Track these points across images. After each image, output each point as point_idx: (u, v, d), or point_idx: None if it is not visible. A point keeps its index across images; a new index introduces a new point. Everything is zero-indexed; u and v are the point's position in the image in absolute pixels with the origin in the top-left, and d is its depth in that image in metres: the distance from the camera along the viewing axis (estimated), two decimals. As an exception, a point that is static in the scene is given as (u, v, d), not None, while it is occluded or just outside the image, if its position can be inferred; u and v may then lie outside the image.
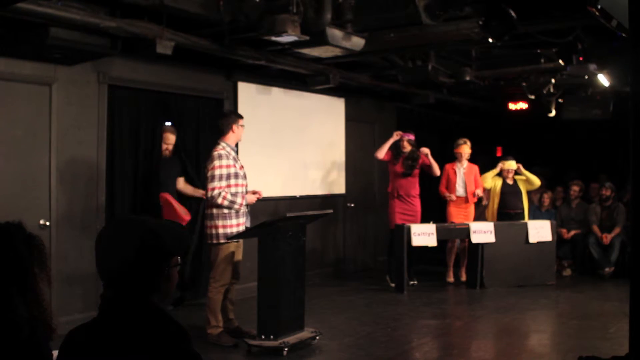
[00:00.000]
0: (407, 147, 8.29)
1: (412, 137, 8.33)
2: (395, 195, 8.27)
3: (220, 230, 5.54)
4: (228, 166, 5.52)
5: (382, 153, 8.24)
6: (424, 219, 8.35)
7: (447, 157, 8.93)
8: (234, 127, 5.69)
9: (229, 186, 5.52)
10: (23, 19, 4.77)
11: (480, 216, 9.26)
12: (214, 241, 5.57)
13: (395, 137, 8.29)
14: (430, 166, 8.31)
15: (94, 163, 6.22)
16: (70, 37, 5.17)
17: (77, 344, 1.82)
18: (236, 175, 5.57)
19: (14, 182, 5.60)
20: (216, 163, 5.50)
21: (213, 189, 5.46)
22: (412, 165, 8.26)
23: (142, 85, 6.63)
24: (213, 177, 5.48)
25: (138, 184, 6.59)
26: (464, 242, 8.74)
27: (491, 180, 8.78)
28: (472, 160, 9.05)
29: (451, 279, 8.77)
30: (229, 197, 5.46)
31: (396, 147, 8.29)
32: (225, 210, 5.51)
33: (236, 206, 5.50)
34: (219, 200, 5.45)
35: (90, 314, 2.85)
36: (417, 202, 8.37)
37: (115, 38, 5.59)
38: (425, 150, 8.27)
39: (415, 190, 8.35)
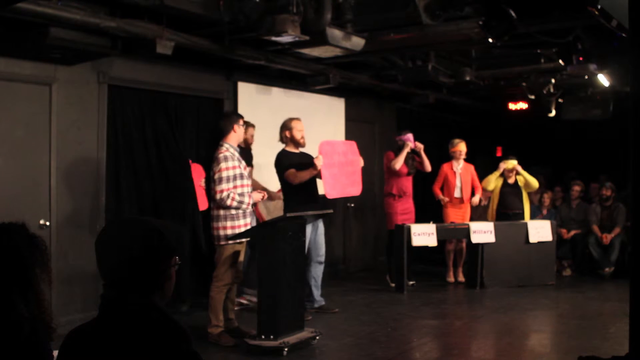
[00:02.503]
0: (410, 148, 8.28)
1: (412, 138, 8.28)
2: (401, 195, 8.24)
3: (229, 231, 5.54)
4: (234, 167, 5.54)
5: (399, 164, 8.14)
6: (422, 219, 8.35)
7: (446, 157, 8.92)
8: (235, 127, 5.69)
9: (235, 187, 5.53)
10: (23, 19, 4.76)
11: (480, 217, 9.26)
12: (222, 242, 5.58)
13: (408, 148, 8.16)
14: (422, 162, 8.29)
15: (94, 163, 6.22)
16: (70, 37, 5.16)
17: (77, 344, 1.82)
18: (241, 176, 5.59)
19: (14, 182, 5.60)
20: (222, 165, 5.50)
21: (222, 191, 5.46)
22: (413, 164, 8.26)
23: (142, 85, 6.63)
24: (221, 180, 5.47)
25: (141, 182, 6.59)
26: (460, 242, 8.74)
27: (494, 182, 8.77)
28: (472, 160, 9.04)
29: (451, 279, 8.77)
30: (237, 197, 5.49)
31: (399, 149, 8.25)
32: (233, 211, 5.53)
33: (244, 206, 5.53)
34: (228, 202, 5.47)
35: (90, 314, 2.85)
36: (412, 201, 8.40)
37: (115, 38, 5.59)
38: (420, 145, 8.25)
39: (412, 189, 8.38)
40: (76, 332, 1.85)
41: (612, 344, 5.50)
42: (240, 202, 5.51)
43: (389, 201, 8.36)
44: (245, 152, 7.14)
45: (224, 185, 5.47)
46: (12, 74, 5.56)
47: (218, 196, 5.48)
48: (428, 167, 8.33)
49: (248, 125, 7.12)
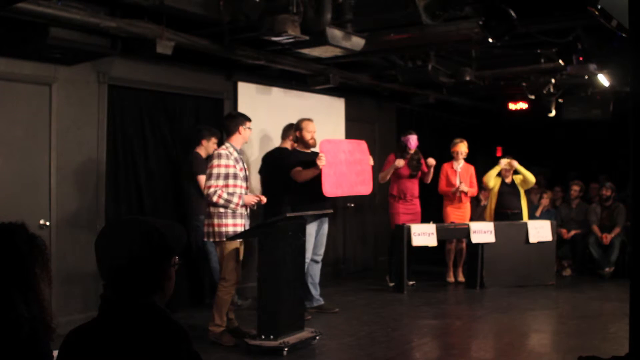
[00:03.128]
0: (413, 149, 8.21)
1: (415, 141, 8.20)
2: (402, 197, 8.21)
3: (216, 229, 5.55)
4: (227, 166, 5.53)
5: (384, 180, 8.13)
6: (422, 219, 8.35)
7: (446, 157, 8.92)
8: (241, 128, 5.70)
9: (226, 186, 5.53)
10: (23, 19, 4.77)
11: (479, 216, 9.26)
12: (209, 239, 5.63)
13: (399, 164, 8.00)
14: (427, 173, 8.27)
15: (94, 163, 6.22)
16: (70, 37, 5.17)
17: (77, 344, 1.82)
18: (235, 176, 5.58)
19: (14, 182, 5.60)
20: (214, 162, 5.53)
21: (209, 187, 5.50)
22: (417, 166, 8.20)
23: (142, 85, 6.63)
24: (210, 176, 5.52)
25: (141, 182, 6.59)
26: (461, 243, 8.74)
27: (494, 179, 8.77)
28: (472, 160, 9.03)
29: (451, 279, 8.77)
30: (224, 195, 5.48)
31: (401, 150, 8.21)
32: (222, 210, 5.53)
33: (232, 205, 5.50)
34: (214, 199, 5.47)
35: (90, 314, 2.85)
36: (418, 203, 8.36)
37: (115, 38, 5.58)
38: (432, 161, 8.17)
39: (417, 191, 8.33)
40: (76, 332, 1.85)
41: (612, 344, 5.50)
42: (228, 201, 5.48)
43: (390, 202, 8.39)
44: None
45: (212, 182, 5.49)
46: (12, 74, 5.56)
47: (205, 192, 5.55)
48: (428, 180, 8.33)
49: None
